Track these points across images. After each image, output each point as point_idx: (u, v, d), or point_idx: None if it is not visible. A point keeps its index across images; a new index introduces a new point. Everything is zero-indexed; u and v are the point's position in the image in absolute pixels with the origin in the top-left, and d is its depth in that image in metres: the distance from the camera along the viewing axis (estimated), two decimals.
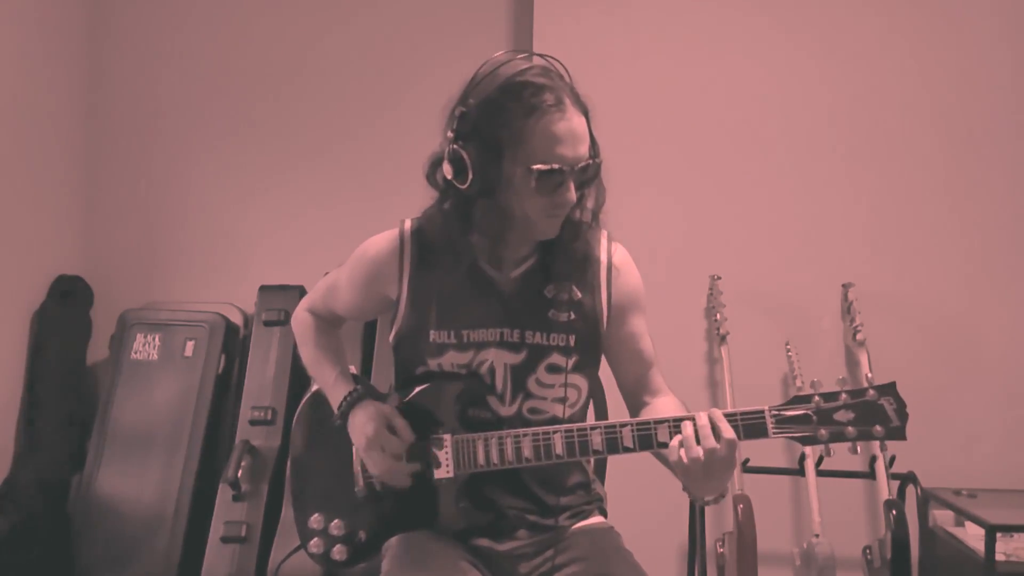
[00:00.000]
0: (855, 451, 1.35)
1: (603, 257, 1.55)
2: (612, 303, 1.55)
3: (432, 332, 1.51)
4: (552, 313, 1.50)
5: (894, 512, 2.34)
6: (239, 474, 2.76)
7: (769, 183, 2.93)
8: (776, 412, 1.34)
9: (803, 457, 2.62)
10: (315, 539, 1.59)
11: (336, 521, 1.58)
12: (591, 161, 1.42)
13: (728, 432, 1.31)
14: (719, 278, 2.84)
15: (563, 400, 1.52)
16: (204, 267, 3.31)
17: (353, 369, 1.66)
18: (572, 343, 1.50)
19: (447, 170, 1.42)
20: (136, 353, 3.06)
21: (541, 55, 1.44)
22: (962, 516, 2.58)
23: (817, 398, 1.34)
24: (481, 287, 1.50)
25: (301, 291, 3.06)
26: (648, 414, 1.52)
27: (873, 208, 2.90)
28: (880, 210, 2.90)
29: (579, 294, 1.52)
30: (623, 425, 1.40)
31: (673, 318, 2.80)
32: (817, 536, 2.54)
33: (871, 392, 1.33)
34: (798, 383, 2.65)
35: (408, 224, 1.56)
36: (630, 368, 1.58)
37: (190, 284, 3.29)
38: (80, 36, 3.31)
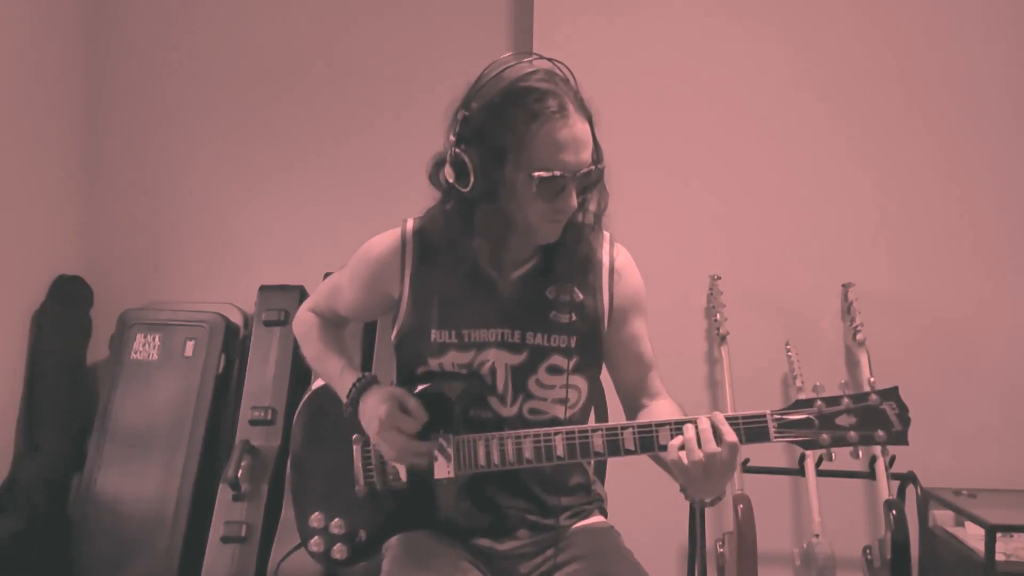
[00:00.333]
0: (856, 455, 1.35)
1: (605, 259, 1.55)
2: (614, 305, 1.55)
3: (433, 332, 1.51)
4: (553, 314, 1.50)
5: (894, 512, 2.34)
6: (239, 474, 2.76)
7: (769, 183, 2.93)
8: (778, 416, 1.34)
9: (803, 457, 2.61)
10: (315, 538, 1.59)
11: (336, 520, 1.58)
12: (594, 167, 1.42)
13: (730, 435, 1.31)
14: (719, 278, 2.84)
15: (564, 401, 1.52)
16: (204, 267, 3.31)
17: None
18: (573, 344, 1.50)
19: (449, 173, 1.42)
20: (136, 353, 3.06)
21: (548, 59, 1.43)
22: (962, 516, 2.58)
23: (819, 402, 1.34)
24: (482, 287, 1.49)
25: (301, 291, 3.06)
26: (646, 417, 1.52)
27: (873, 208, 2.90)
28: (880, 210, 2.90)
29: (580, 296, 1.52)
30: (624, 427, 1.40)
31: (673, 318, 2.81)
32: (817, 536, 2.53)
33: (873, 397, 1.32)
34: (798, 383, 2.65)
35: (410, 224, 1.56)
36: (629, 370, 1.58)
37: (190, 284, 3.30)
38: (80, 36, 3.31)
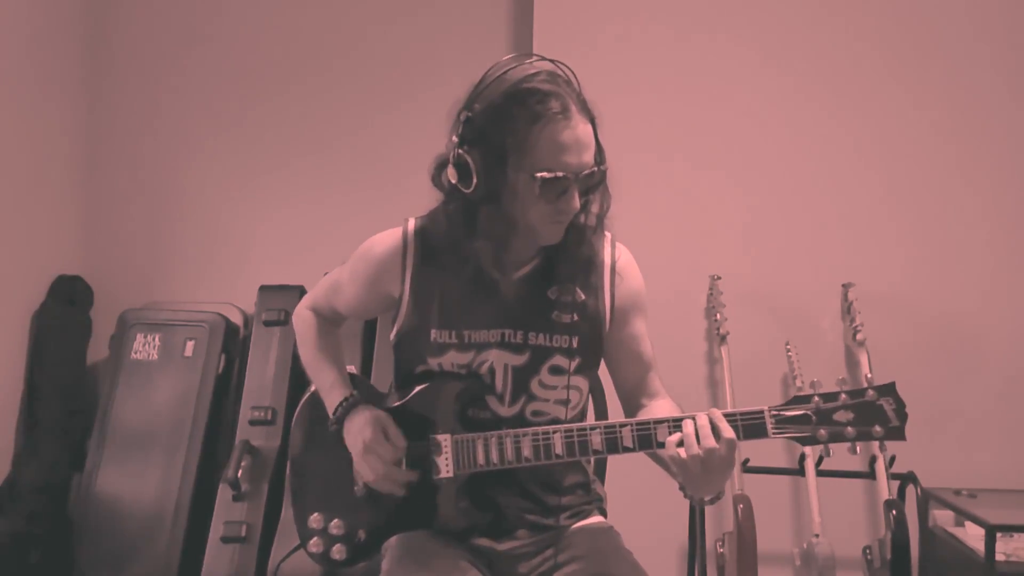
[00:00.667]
0: (855, 451, 1.35)
1: (607, 259, 1.55)
2: (615, 305, 1.55)
3: (433, 331, 1.51)
4: (555, 315, 1.50)
5: (894, 512, 2.34)
6: (239, 474, 2.76)
7: (769, 183, 2.93)
8: (776, 412, 1.34)
9: (803, 457, 2.62)
10: (315, 538, 1.59)
11: (336, 520, 1.58)
12: (596, 168, 1.42)
13: (728, 432, 1.31)
14: (719, 278, 2.84)
15: (565, 402, 1.52)
16: (204, 267, 3.31)
17: (352, 369, 1.66)
18: (575, 345, 1.51)
19: (452, 174, 1.42)
20: (136, 353, 3.06)
21: (551, 60, 1.43)
22: (962, 516, 2.58)
23: (817, 398, 1.34)
24: (484, 288, 1.49)
25: (301, 291, 3.06)
26: (645, 416, 1.51)
27: (873, 208, 2.90)
28: (880, 210, 2.90)
29: (582, 296, 1.52)
30: (623, 425, 1.40)
31: (673, 318, 2.81)
32: (817, 536, 2.54)
33: (870, 392, 1.33)
34: (798, 383, 2.65)
35: (412, 223, 1.56)
36: (629, 370, 1.58)
37: (190, 284, 3.30)
38: (80, 36, 3.31)
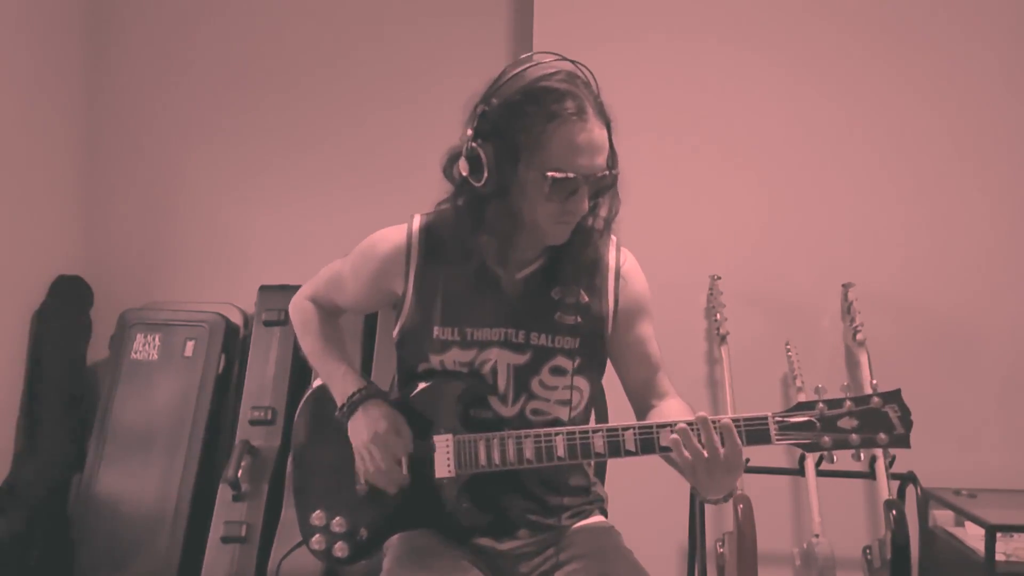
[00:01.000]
0: (858, 458, 1.35)
1: (611, 263, 1.55)
2: (619, 308, 1.55)
3: (436, 329, 1.51)
4: (558, 315, 1.50)
5: (894, 512, 2.34)
6: (239, 474, 2.76)
7: (769, 183, 2.93)
8: (780, 419, 1.34)
9: (803, 457, 2.61)
10: (316, 535, 1.59)
11: (338, 518, 1.58)
12: (608, 172, 1.42)
13: (732, 438, 1.31)
14: (719, 278, 2.85)
15: (566, 403, 1.52)
16: (204, 267, 3.31)
17: None
18: (577, 346, 1.51)
19: (463, 167, 1.42)
20: (136, 353, 3.06)
21: (572, 61, 1.43)
22: (962, 516, 2.59)
23: (821, 405, 1.34)
24: (488, 286, 1.49)
25: None
26: (654, 416, 1.52)
27: (873, 208, 2.90)
28: (880, 210, 2.90)
29: (586, 298, 1.52)
30: (625, 428, 1.40)
31: (673, 318, 2.79)
32: (817, 536, 2.54)
33: (876, 399, 1.32)
34: (798, 383, 2.65)
35: (417, 220, 1.56)
36: (637, 372, 1.58)
37: (190, 284, 3.29)
38: (80, 36, 3.31)
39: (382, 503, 1.55)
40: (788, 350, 2.74)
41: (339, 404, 1.55)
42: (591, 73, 1.44)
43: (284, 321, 3.00)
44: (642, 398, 1.58)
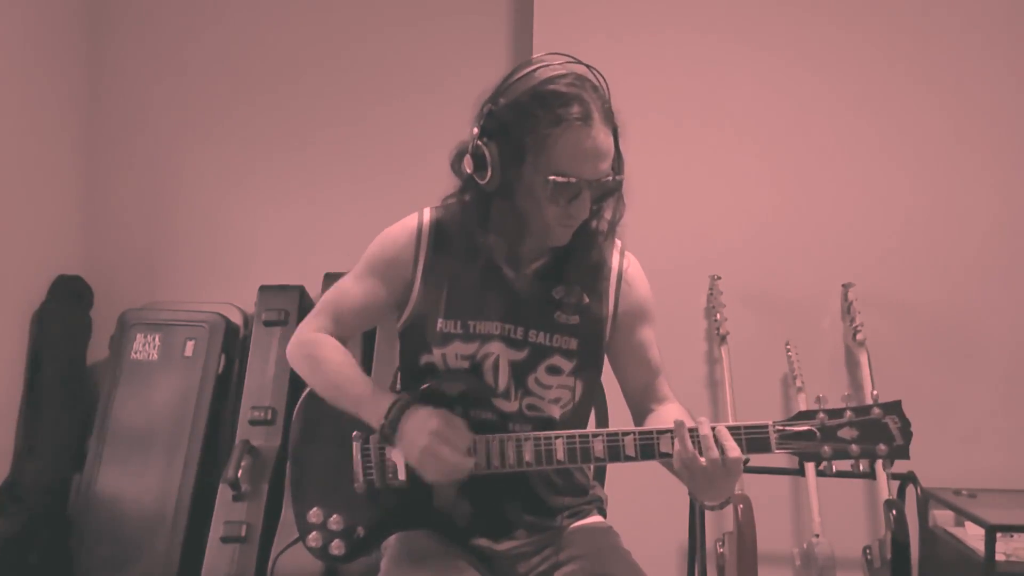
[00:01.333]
0: (858, 469, 1.35)
1: (615, 266, 1.56)
2: (619, 312, 1.55)
3: (440, 321, 1.51)
4: (558, 315, 1.51)
5: (894, 512, 2.34)
6: (239, 474, 2.76)
7: (769, 183, 2.93)
8: (780, 427, 1.35)
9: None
10: (313, 533, 1.58)
11: (335, 516, 1.57)
12: (612, 177, 1.42)
13: (733, 450, 1.32)
14: (719, 278, 2.84)
15: (558, 401, 1.52)
16: (204, 267, 3.31)
17: None
18: (574, 347, 1.51)
19: (468, 163, 1.43)
20: (136, 353, 3.06)
21: (585, 64, 1.43)
22: (962, 516, 2.58)
23: (822, 414, 1.34)
24: (491, 281, 1.49)
25: (301, 291, 3.06)
26: (653, 421, 1.52)
27: (873, 208, 2.90)
28: (880, 210, 2.90)
29: (587, 299, 1.52)
30: (626, 434, 1.40)
31: (673, 318, 2.80)
32: (817, 536, 2.54)
33: (876, 410, 1.33)
34: (798, 383, 2.65)
35: (427, 212, 1.56)
36: (636, 376, 1.58)
37: (190, 284, 3.30)
38: (80, 36, 3.31)
39: (379, 502, 1.55)
40: (788, 350, 2.74)
41: (376, 425, 1.46)
42: (602, 76, 1.44)
43: (284, 321, 3.00)
44: (640, 402, 1.58)
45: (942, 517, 2.75)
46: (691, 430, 1.34)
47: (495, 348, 1.50)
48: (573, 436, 1.43)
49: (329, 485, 1.57)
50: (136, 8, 3.36)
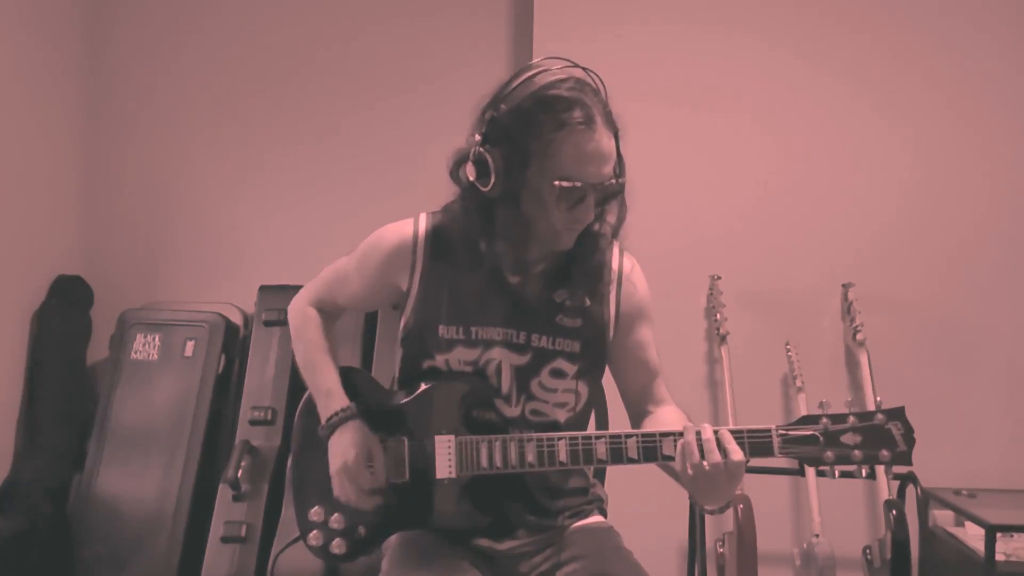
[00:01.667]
0: (860, 474, 1.35)
1: (614, 267, 1.56)
2: (620, 313, 1.55)
3: (441, 327, 1.51)
4: (560, 318, 1.51)
5: (894, 512, 2.34)
6: (239, 474, 2.76)
7: (769, 183, 2.93)
8: (783, 432, 1.35)
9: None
10: (314, 532, 1.59)
11: (336, 515, 1.57)
12: (615, 181, 1.42)
13: (736, 454, 1.31)
14: (719, 278, 2.85)
15: (563, 405, 1.53)
16: (204, 267, 3.31)
17: (351, 366, 1.65)
18: (577, 350, 1.51)
19: (470, 171, 1.42)
20: (136, 353, 3.06)
21: (583, 68, 1.43)
22: (962, 516, 2.59)
23: (825, 419, 1.34)
24: (492, 286, 1.50)
25: None
26: (650, 423, 1.52)
27: (873, 208, 2.90)
28: (880, 210, 2.90)
29: (588, 302, 1.52)
30: (628, 436, 1.41)
31: (673, 318, 2.80)
32: (817, 536, 2.54)
33: (879, 416, 1.33)
34: (798, 383, 2.65)
35: (425, 218, 1.56)
36: (635, 377, 1.58)
37: (190, 284, 3.30)
38: (80, 36, 3.31)
39: (382, 501, 1.55)
40: (788, 350, 2.74)
41: (321, 422, 1.55)
42: (600, 80, 1.44)
43: (284, 321, 2.96)
44: (638, 404, 1.58)
45: (942, 517, 2.75)
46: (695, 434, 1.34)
47: (497, 353, 1.50)
48: (576, 438, 1.43)
49: (331, 484, 1.57)
50: (136, 8, 3.36)
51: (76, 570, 2.86)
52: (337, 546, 1.57)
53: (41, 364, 3.07)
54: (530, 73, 1.41)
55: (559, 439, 1.43)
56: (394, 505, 1.54)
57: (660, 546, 2.84)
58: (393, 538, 1.56)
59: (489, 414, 1.51)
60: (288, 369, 2.96)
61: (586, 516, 1.61)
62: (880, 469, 2.55)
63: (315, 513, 1.59)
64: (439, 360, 1.52)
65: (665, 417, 1.51)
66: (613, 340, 1.55)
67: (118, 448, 2.95)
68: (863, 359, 2.67)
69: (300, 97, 3.28)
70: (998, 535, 2.35)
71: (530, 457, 1.44)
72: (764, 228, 2.92)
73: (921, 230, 2.89)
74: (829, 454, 1.33)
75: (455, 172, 1.47)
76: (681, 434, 1.35)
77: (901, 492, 2.65)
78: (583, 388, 1.54)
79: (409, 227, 1.56)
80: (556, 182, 1.37)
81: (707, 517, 2.73)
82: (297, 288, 3.10)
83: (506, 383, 1.51)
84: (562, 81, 1.39)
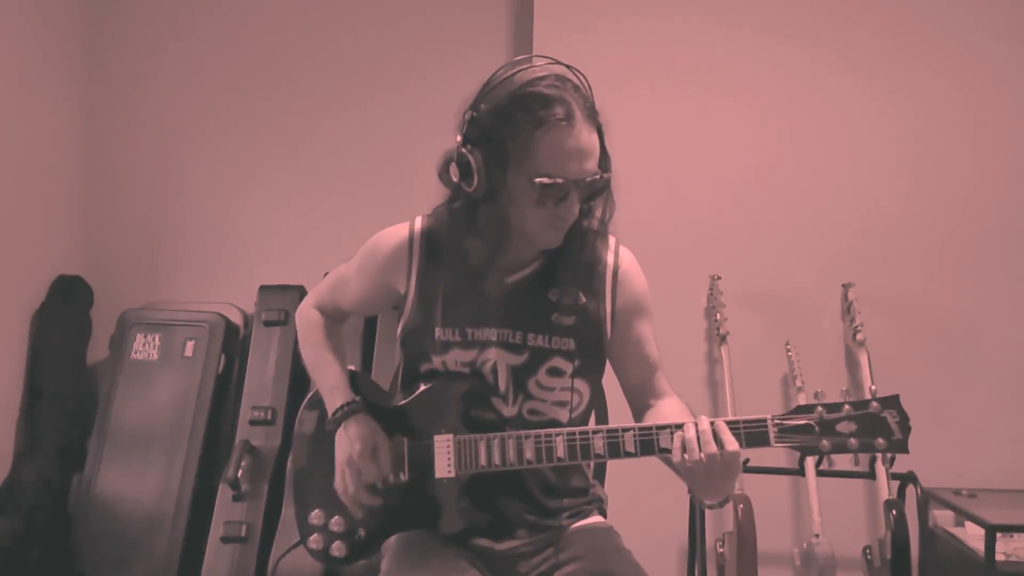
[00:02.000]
0: (856, 462, 1.36)
1: (609, 263, 1.55)
2: (616, 308, 1.54)
3: (437, 330, 1.51)
4: (555, 317, 1.50)
5: (894, 512, 2.34)
6: (239, 474, 2.76)
7: (769, 183, 2.93)
8: (779, 421, 1.35)
9: (803, 457, 2.61)
10: (315, 535, 1.59)
11: (336, 518, 1.58)
12: (599, 176, 1.42)
13: (731, 443, 1.31)
14: (719, 278, 2.85)
15: (564, 404, 1.52)
16: (204, 267, 3.31)
17: (352, 368, 1.65)
18: (574, 347, 1.51)
19: (454, 172, 1.42)
20: (136, 353, 3.06)
21: (565, 64, 1.43)
22: (962, 516, 2.59)
23: (820, 408, 1.34)
24: (486, 286, 1.50)
25: (301, 291, 3.06)
26: (652, 416, 1.52)
27: (873, 208, 2.90)
28: (880, 210, 2.90)
29: (584, 299, 1.52)
30: (625, 430, 1.40)
31: (673, 318, 2.80)
32: (817, 536, 2.54)
33: (874, 404, 1.33)
34: (798, 383, 2.65)
35: (419, 221, 1.56)
36: (635, 372, 1.58)
37: (190, 284, 3.30)
38: (80, 36, 3.32)
39: (381, 503, 1.55)
40: (788, 350, 2.74)
41: (328, 417, 1.56)
42: (583, 77, 1.43)
43: (284, 321, 3.00)
44: (640, 398, 1.58)
45: (942, 517, 2.75)
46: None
47: (493, 354, 1.50)
48: (573, 433, 1.43)
49: (331, 487, 1.57)
50: (136, 8, 3.36)
51: (76, 570, 2.86)
52: (337, 549, 1.58)
53: (41, 364, 3.07)
54: (509, 72, 1.40)
55: (556, 435, 1.43)
56: (394, 506, 1.54)
57: (660, 546, 2.84)
58: (393, 539, 1.56)
59: (488, 413, 1.51)
60: (288, 369, 2.97)
61: (586, 516, 1.61)
62: (880, 468, 2.55)
63: (315, 516, 1.59)
64: (436, 362, 1.52)
65: (666, 410, 1.50)
66: (611, 336, 1.55)
67: (118, 448, 2.96)
68: (863, 359, 2.67)
69: (300, 97, 3.28)
70: (998, 535, 2.35)
71: (528, 453, 1.44)
72: (764, 228, 2.92)
73: (921, 230, 2.89)
74: (825, 443, 1.34)
75: (443, 174, 1.47)
76: (678, 426, 1.35)
77: (901, 492, 2.65)
78: (582, 386, 1.54)
79: (405, 230, 1.56)
80: (537, 179, 1.37)
81: (707, 517, 2.73)
82: (296, 288, 3.13)
83: (503, 383, 1.51)
84: (541, 79, 1.39)
